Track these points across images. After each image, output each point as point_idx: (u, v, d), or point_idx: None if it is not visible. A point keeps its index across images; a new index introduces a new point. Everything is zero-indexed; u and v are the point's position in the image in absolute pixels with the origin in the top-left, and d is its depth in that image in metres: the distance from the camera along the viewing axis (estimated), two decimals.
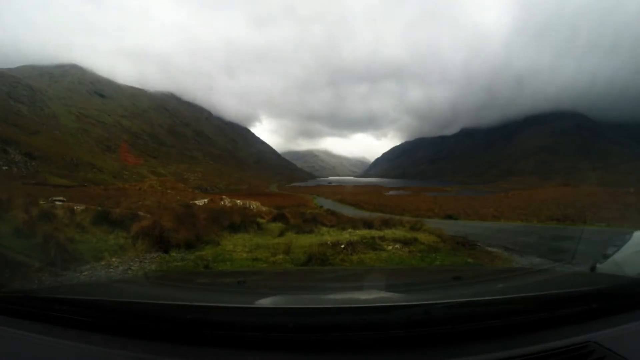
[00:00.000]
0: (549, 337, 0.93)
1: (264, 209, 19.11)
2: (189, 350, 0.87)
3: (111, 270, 4.87)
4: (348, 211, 26.10)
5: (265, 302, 1.23)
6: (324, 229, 9.98)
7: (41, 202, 10.75)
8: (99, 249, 5.74)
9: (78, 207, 10.10)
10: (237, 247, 6.93)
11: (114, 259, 5.33)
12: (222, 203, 20.66)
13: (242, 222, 9.58)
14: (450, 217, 25.37)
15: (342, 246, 6.70)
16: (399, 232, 8.82)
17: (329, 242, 7.00)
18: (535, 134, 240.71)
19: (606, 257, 2.96)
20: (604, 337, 0.92)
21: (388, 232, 8.63)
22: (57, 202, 12.18)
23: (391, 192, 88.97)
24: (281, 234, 9.01)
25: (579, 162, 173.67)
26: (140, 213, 9.43)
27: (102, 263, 5.12)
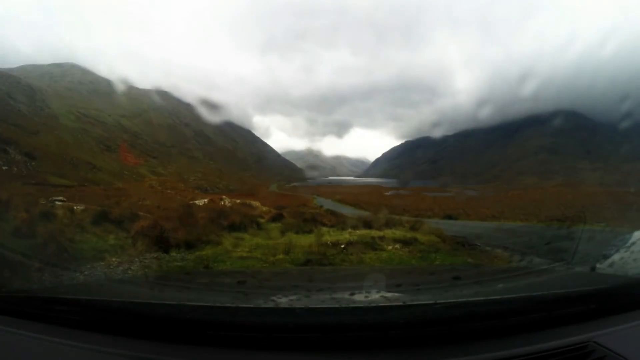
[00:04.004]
0: (548, 337, 0.93)
1: (264, 208, 19.10)
2: (189, 350, 0.88)
3: (111, 270, 4.87)
4: (348, 211, 26.09)
5: (265, 302, 1.23)
6: (324, 229, 9.97)
7: (41, 202, 10.75)
8: (99, 249, 5.74)
9: (78, 207, 10.09)
10: (237, 247, 6.93)
11: (114, 259, 5.33)
12: (222, 203, 20.65)
13: (242, 222, 9.58)
14: (449, 217, 25.33)
15: (342, 246, 6.70)
16: (398, 232, 8.81)
17: (329, 242, 7.00)
18: (535, 134, 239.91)
19: (606, 257, 2.96)
20: (604, 337, 0.92)
21: (388, 232, 8.62)
22: (57, 202, 12.17)
23: (391, 192, 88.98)
24: (281, 234, 9.01)
25: (579, 162, 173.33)
26: (140, 213, 9.42)
27: (102, 263, 5.12)
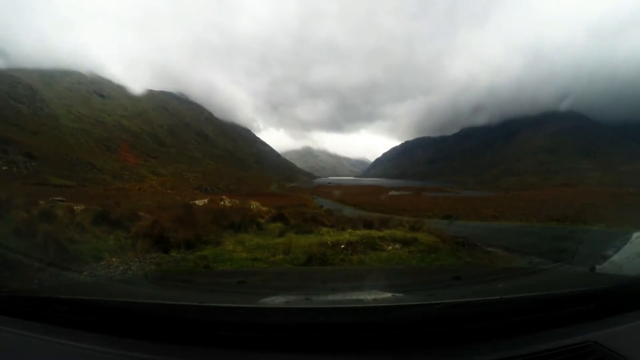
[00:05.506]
0: (548, 337, 0.93)
1: (264, 209, 19.10)
2: (189, 350, 0.88)
3: (111, 270, 4.87)
4: (348, 211, 26.09)
5: (265, 302, 1.23)
6: (324, 229, 9.96)
7: (41, 202, 10.74)
8: (99, 249, 5.73)
9: (78, 207, 10.09)
10: (237, 247, 6.92)
11: (114, 259, 5.32)
12: (222, 203, 20.65)
13: (242, 222, 9.57)
14: (449, 217, 25.34)
15: (342, 246, 6.70)
16: (398, 232, 8.80)
17: (329, 242, 6.99)
18: (535, 134, 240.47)
19: (606, 257, 2.96)
20: (604, 337, 0.92)
21: (388, 232, 8.61)
22: (57, 202, 12.17)
23: (391, 192, 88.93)
24: (281, 234, 9.00)
25: (579, 162, 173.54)
26: (140, 213, 9.43)
27: (102, 263, 5.11)
